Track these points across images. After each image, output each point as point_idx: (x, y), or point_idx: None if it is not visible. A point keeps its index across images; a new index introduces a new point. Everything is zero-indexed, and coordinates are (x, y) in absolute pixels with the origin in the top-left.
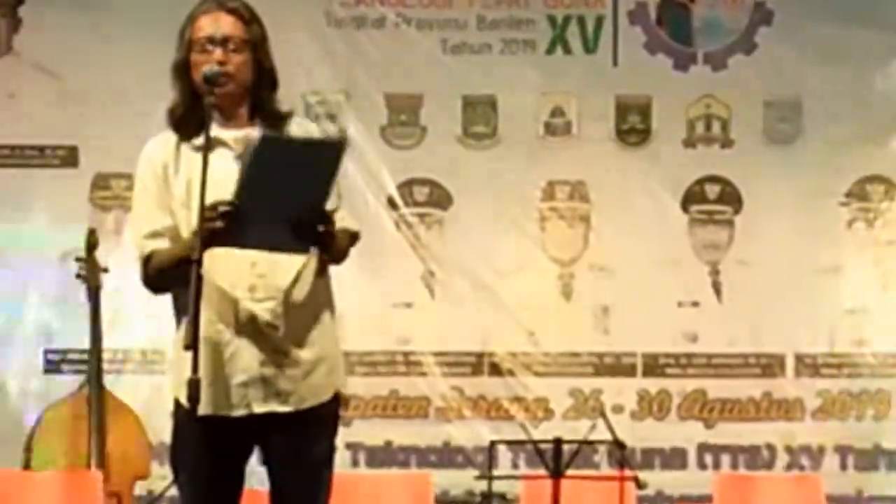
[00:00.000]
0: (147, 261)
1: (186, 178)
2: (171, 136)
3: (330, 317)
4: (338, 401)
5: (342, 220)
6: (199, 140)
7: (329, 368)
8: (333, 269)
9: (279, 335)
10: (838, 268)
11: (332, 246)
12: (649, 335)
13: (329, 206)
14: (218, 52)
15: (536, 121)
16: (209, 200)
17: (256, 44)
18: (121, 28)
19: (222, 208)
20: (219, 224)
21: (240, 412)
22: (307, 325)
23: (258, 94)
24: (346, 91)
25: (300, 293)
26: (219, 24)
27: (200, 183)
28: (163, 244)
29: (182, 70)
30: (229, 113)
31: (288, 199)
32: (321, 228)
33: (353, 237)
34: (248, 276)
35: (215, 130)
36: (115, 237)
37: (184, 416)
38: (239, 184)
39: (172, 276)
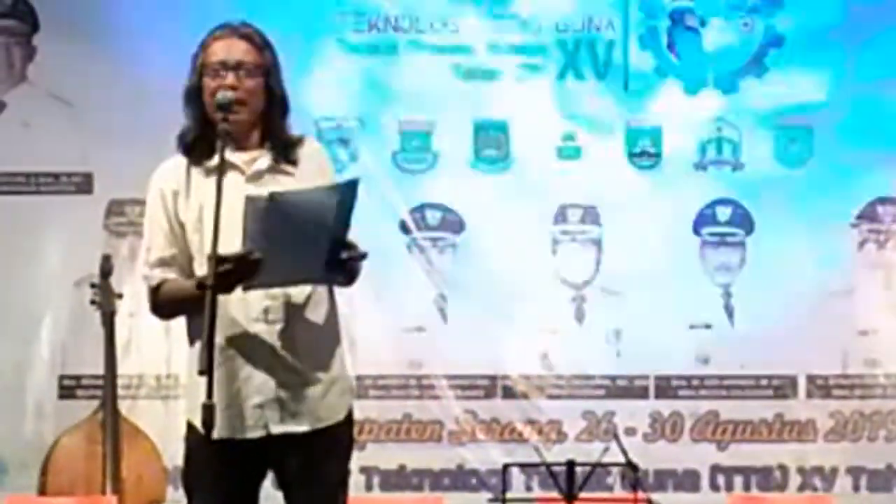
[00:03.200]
0: (155, 290)
1: (198, 202)
2: (180, 161)
3: (338, 340)
4: (351, 421)
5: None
6: (210, 163)
7: (342, 389)
8: (346, 294)
9: (293, 356)
10: (850, 290)
11: (357, 272)
12: (661, 357)
13: None
14: (230, 77)
15: (548, 145)
16: (223, 228)
17: (269, 69)
18: (134, 56)
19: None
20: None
21: (257, 434)
22: (320, 346)
23: (269, 119)
24: (359, 117)
25: (314, 314)
26: (232, 49)
27: (214, 207)
28: (171, 274)
29: (194, 95)
30: (241, 137)
31: (300, 248)
32: (345, 255)
33: (361, 256)
34: (262, 298)
35: (226, 154)
36: (130, 263)
37: (198, 440)
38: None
39: (180, 310)
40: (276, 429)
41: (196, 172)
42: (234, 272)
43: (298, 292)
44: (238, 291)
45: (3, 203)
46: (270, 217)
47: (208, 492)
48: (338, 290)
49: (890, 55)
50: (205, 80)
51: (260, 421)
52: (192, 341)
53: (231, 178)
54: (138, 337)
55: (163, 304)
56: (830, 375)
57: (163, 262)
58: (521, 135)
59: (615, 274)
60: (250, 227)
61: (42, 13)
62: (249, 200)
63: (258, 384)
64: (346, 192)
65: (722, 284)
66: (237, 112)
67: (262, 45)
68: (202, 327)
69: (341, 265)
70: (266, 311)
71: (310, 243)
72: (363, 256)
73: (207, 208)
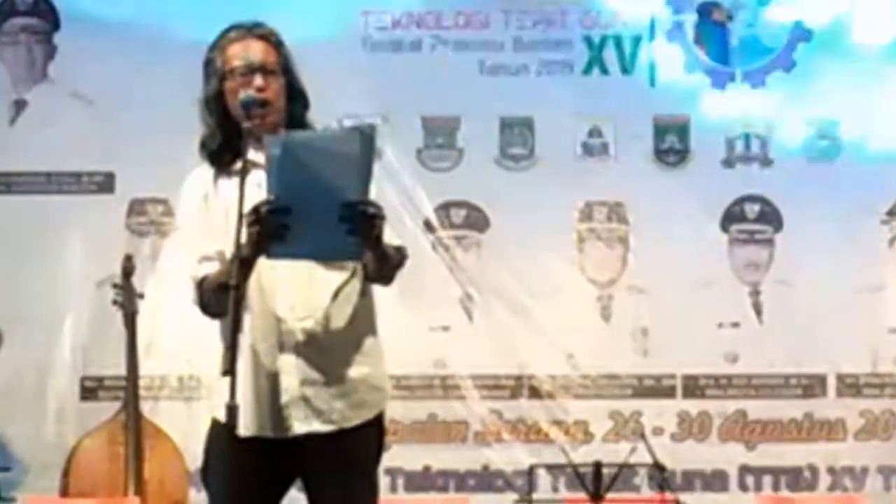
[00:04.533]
0: (200, 285)
1: (224, 205)
2: (206, 168)
3: (373, 337)
4: (381, 421)
5: (388, 238)
6: (236, 166)
7: (371, 387)
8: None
9: (319, 354)
10: (880, 286)
11: (381, 235)
12: (689, 356)
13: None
14: (258, 79)
15: (574, 142)
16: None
17: (287, 67)
18: (154, 55)
19: (263, 208)
20: (261, 227)
21: (281, 433)
22: (348, 345)
23: (292, 115)
24: (383, 114)
25: (341, 312)
26: (251, 50)
27: (238, 206)
28: (213, 267)
29: (215, 100)
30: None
31: (323, 196)
32: (371, 210)
33: (401, 254)
34: (289, 295)
35: (250, 154)
36: (152, 263)
37: (223, 438)
38: (269, 186)
39: (219, 300)
40: (301, 428)
41: (222, 177)
42: (261, 221)
43: (324, 290)
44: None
45: (25, 203)
46: (289, 159)
47: (231, 490)
48: None
49: None
50: (228, 84)
51: (285, 420)
52: (223, 341)
53: (255, 176)
54: (160, 338)
55: (206, 297)
56: (860, 374)
57: (206, 258)
58: (546, 131)
59: (642, 272)
60: (272, 176)
61: (63, 11)
62: (268, 145)
63: (284, 383)
64: (365, 137)
65: (750, 282)
66: (267, 114)
67: (277, 43)
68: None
69: (365, 227)
70: (292, 308)
71: (334, 190)
72: (403, 255)
73: (233, 209)
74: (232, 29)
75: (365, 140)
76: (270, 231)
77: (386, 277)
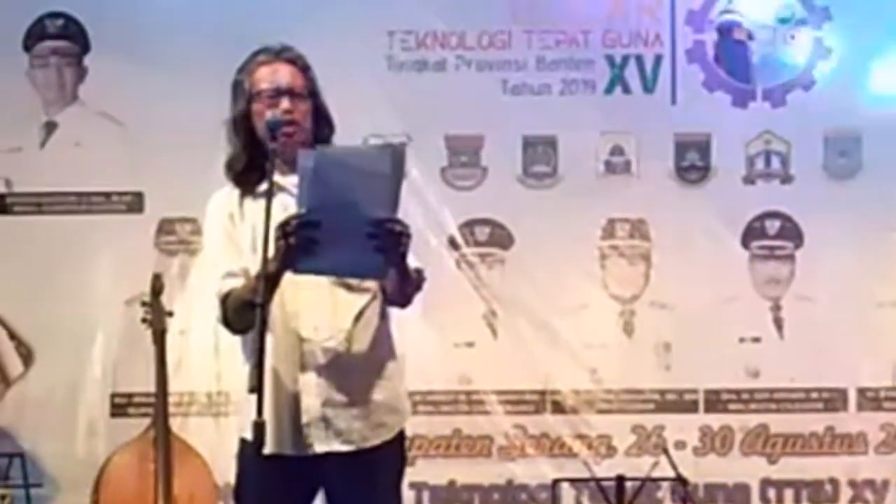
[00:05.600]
0: (224, 301)
1: (251, 224)
2: (233, 189)
3: (393, 358)
4: (403, 440)
5: (409, 261)
6: (261, 188)
7: (391, 408)
8: (396, 310)
9: (341, 375)
10: None
11: (406, 253)
12: (711, 371)
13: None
14: (285, 102)
15: (596, 160)
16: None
17: (314, 91)
18: (183, 76)
19: (293, 222)
20: (290, 241)
21: (301, 452)
22: (370, 367)
23: (318, 138)
24: (408, 133)
25: (362, 333)
26: (279, 74)
27: (264, 227)
28: (237, 283)
29: (242, 122)
30: (292, 160)
31: (352, 212)
32: (398, 228)
33: (421, 277)
34: (312, 316)
35: (276, 177)
36: (180, 281)
37: (250, 456)
38: (299, 199)
39: (244, 317)
40: (320, 447)
41: (248, 198)
42: (290, 234)
43: (347, 311)
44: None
45: (55, 223)
46: (321, 174)
47: None
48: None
49: None
50: (255, 107)
51: (305, 439)
52: (246, 358)
53: (280, 199)
54: (189, 355)
55: (230, 313)
56: (881, 388)
57: (230, 274)
58: (569, 149)
59: (664, 288)
60: (303, 189)
61: (93, 34)
62: (301, 158)
63: (305, 402)
64: (397, 156)
65: (771, 297)
66: (293, 133)
67: (305, 67)
68: (253, 345)
69: (393, 244)
70: (315, 329)
71: (363, 207)
72: (422, 278)
73: (260, 229)
74: (260, 52)
75: (396, 158)
76: (299, 244)
77: (406, 299)
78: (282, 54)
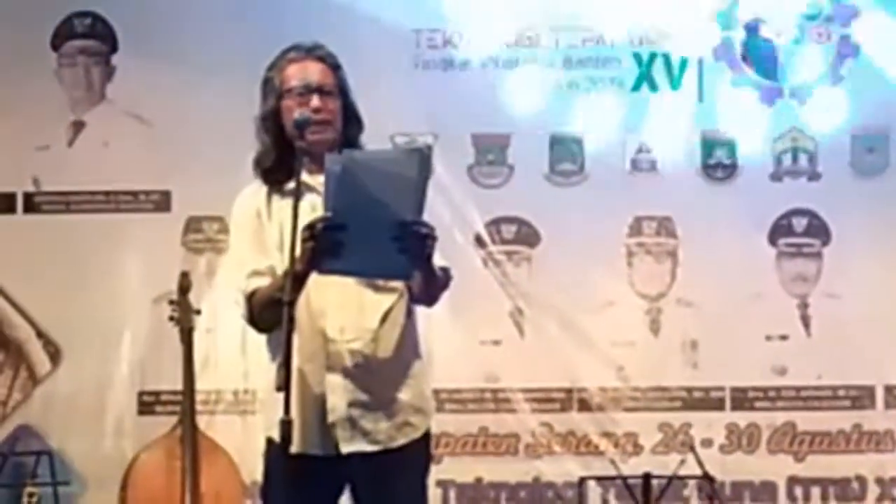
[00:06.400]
0: (250, 299)
1: (279, 223)
2: (261, 187)
3: (418, 360)
4: (428, 440)
5: (436, 260)
6: (289, 186)
7: (417, 408)
8: (423, 308)
9: (367, 376)
10: None
11: (432, 255)
12: (738, 369)
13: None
14: (315, 100)
15: (623, 157)
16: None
17: (344, 89)
18: (210, 75)
19: (319, 224)
20: (316, 243)
21: (327, 452)
22: (396, 368)
23: (347, 138)
24: (434, 132)
25: (389, 334)
26: (309, 71)
27: (291, 226)
28: (263, 282)
29: (272, 119)
30: (320, 158)
31: (379, 215)
32: (424, 230)
33: (447, 276)
34: (338, 317)
35: (304, 176)
36: (208, 280)
37: (276, 456)
38: (325, 202)
39: (270, 315)
40: (346, 447)
41: (276, 196)
42: (317, 237)
43: (373, 312)
44: (315, 309)
45: (84, 221)
46: (348, 178)
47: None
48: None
49: None
50: (285, 103)
51: (331, 440)
52: (271, 357)
53: (308, 199)
54: (216, 353)
55: (256, 312)
56: None
57: (256, 273)
58: (596, 147)
59: (691, 286)
60: (330, 192)
61: (121, 33)
62: (328, 162)
63: (331, 403)
64: (423, 159)
65: (798, 295)
66: (323, 132)
67: (335, 65)
68: (279, 344)
69: (418, 246)
70: (341, 330)
71: (389, 209)
72: (448, 276)
73: (287, 228)
74: (291, 49)
75: (423, 161)
76: (325, 247)
77: (432, 298)
78: (312, 52)
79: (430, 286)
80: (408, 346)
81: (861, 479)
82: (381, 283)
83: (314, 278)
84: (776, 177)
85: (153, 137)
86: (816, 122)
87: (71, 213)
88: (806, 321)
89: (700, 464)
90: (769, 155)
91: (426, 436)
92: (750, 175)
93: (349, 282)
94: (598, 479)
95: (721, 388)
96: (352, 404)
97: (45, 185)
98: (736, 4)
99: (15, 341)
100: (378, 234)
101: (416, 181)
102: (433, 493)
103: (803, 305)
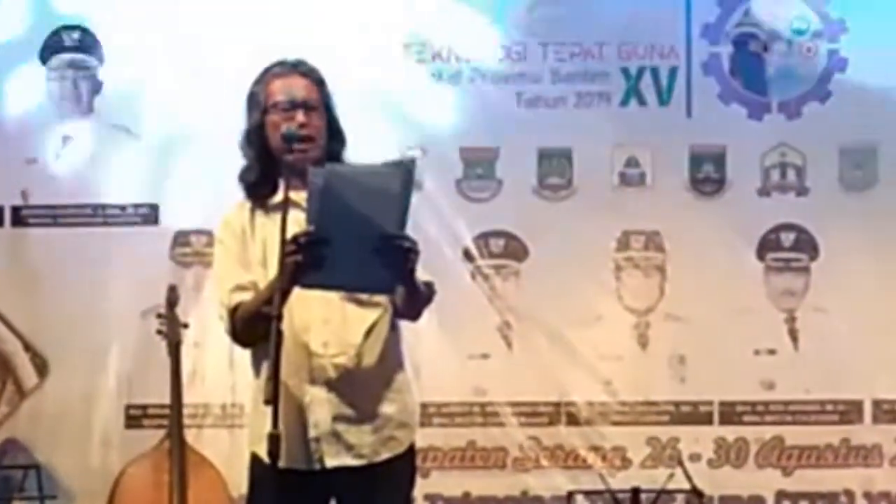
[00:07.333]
0: (233, 313)
1: (262, 239)
2: (245, 203)
3: (401, 372)
4: (413, 454)
5: (419, 275)
6: (273, 201)
7: (401, 422)
8: (410, 324)
9: (351, 390)
10: None
11: (414, 269)
12: (726, 383)
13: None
14: (300, 115)
15: (611, 172)
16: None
17: (328, 105)
18: (198, 89)
19: (303, 238)
20: (300, 257)
21: (312, 466)
22: (379, 381)
23: (331, 152)
24: (422, 146)
25: (373, 348)
26: (295, 86)
27: (280, 240)
28: (247, 296)
29: (256, 133)
30: (304, 175)
31: (361, 229)
32: (406, 244)
33: (430, 290)
34: (322, 331)
35: (289, 192)
36: (195, 293)
37: (262, 470)
38: (308, 216)
39: (254, 329)
40: (331, 462)
41: (260, 212)
42: (299, 251)
43: (357, 326)
44: (299, 323)
45: (71, 234)
46: (331, 192)
47: None
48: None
49: None
50: (269, 118)
51: (316, 454)
52: (255, 371)
53: (292, 215)
54: (203, 366)
55: (239, 327)
56: None
57: (239, 287)
58: (584, 161)
59: (679, 300)
60: (313, 206)
61: (108, 47)
62: (311, 175)
63: (315, 417)
64: (407, 173)
65: (786, 309)
66: (307, 149)
67: (319, 80)
68: (264, 358)
69: (400, 259)
70: (325, 344)
71: (372, 223)
72: (432, 291)
73: (271, 245)
74: (276, 65)
75: (406, 175)
76: (308, 261)
77: (416, 313)
78: (297, 67)
79: (414, 300)
80: (392, 360)
81: (849, 494)
82: (364, 297)
83: (297, 293)
84: (764, 192)
85: (141, 151)
86: (805, 137)
87: (58, 227)
88: (794, 335)
89: (688, 478)
90: (757, 170)
91: (411, 450)
92: (738, 190)
93: (333, 296)
94: (587, 493)
95: (709, 403)
96: (336, 418)
97: (33, 198)
98: (725, 19)
99: (2, 354)
100: (361, 247)
101: (399, 195)
102: None
103: (791, 320)
